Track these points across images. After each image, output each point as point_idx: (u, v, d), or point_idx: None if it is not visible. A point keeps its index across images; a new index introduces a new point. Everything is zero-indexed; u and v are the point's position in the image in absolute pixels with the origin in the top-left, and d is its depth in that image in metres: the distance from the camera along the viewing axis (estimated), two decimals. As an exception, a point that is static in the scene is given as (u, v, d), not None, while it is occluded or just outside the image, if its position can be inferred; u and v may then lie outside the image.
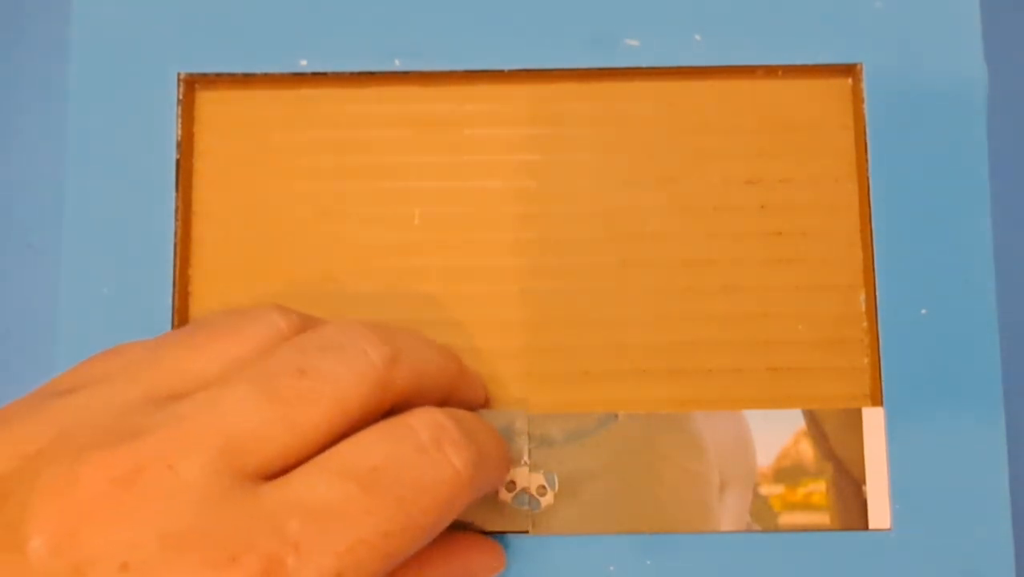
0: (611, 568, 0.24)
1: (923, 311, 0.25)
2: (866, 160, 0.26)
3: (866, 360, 0.26)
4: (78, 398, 0.18)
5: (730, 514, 0.25)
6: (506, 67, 0.26)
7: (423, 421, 0.19)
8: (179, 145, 0.26)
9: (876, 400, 0.25)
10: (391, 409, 0.20)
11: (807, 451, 0.25)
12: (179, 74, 0.26)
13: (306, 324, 0.21)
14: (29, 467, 0.17)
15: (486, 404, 0.25)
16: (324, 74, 0.26)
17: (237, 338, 0.19)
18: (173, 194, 0.26)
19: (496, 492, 0.24)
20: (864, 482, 0.25)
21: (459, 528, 0.23)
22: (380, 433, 0.18)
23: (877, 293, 0.25)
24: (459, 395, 0.23)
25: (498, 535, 0.24)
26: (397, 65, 0.26)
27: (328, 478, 0.17)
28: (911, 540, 0.24)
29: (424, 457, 0.18)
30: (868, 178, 0.26)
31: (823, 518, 0.25)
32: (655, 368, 0.26)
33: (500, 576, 0.24)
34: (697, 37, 0.26)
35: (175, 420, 0.17)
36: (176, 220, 0.26)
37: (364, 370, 0.19)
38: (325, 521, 0.17)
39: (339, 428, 0.18)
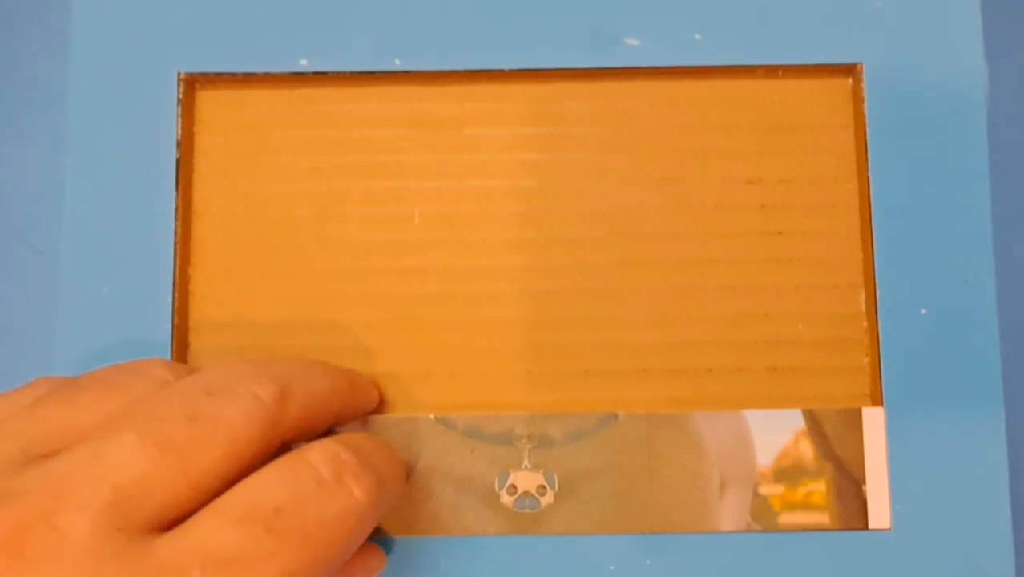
0: (611, 568, 0.24)
1: (923, 311, 0.25)
2: (866, 160, 0.26)
3: (866, 360, 0.26)
4: None
5: (730, 514, 0.25)
6: (506, 67, 0.26)
7: (321, 456, 0.19)
8: (179, 144, 0.26)
9: (876, 400, 0.25)
10: (284, 444, 0.20)
11: (807, 451, 0.25)
12: (179, 74, 0.26)
13: (190, 374, 0.20)
14: None
15: (380, 406, 0.25)
16: (324, 74, 0.26)
17: (119, 392, 0.19)
18: (173, 194, 0.26)
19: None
20: (864, 482, 0.25)
21: None
22: (279, 472, 0.18)
23: (877, 293, 0.25)
24: (352, 410, 0.23)
25: (483, 537, 0.24)
26: (397, 65, 0.26)
27: (228, 523, 0.17)
28: (911, 540, 0.24)
29: (326, 492, 0.18)
30: (868, 178, 0.26)
31: (823, 518, 0.25)
32: (655, 368, 0.26)
33: (503, 576, 0.24)
34: (697, 37, 0.26)
35: (55, 476, 0.16)
36: (176, 220, 0.26)
37: (254, 410, 0.19)
38: (228, 568, 0.16)
39: (233, 471, 0.18)
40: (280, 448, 0.20)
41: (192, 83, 0.27)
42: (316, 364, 0.22)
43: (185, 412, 0.18)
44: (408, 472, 0.24)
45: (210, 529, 0.17)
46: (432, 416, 0.25)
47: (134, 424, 0.17)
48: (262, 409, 0.19)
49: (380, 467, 0.20)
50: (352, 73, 0.27)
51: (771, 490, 0.25)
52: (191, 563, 0.16)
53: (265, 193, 0.27)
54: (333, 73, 0.26)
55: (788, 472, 0.25)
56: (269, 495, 0.18)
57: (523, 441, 0.25)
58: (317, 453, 0.19)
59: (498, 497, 0.25)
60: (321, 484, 0.18)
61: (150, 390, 0.19)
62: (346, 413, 0.23)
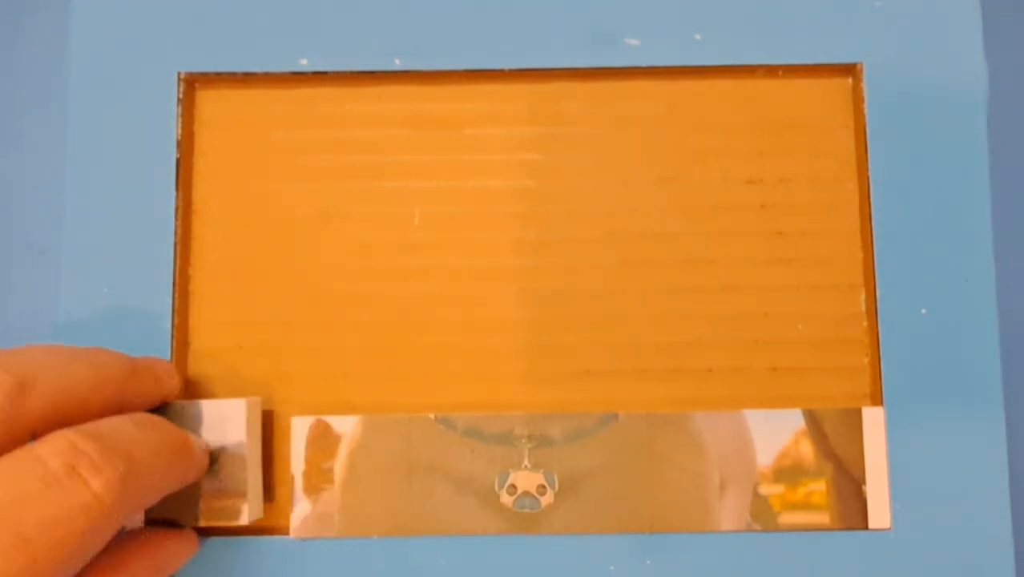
0: (611, 568, 0.24)
1: (923, 311, 0.25)
2: (866, 160, 0.26)
3: (866, 360, 0.26)
4: None
5: (730, 514, 0.25)
6: (506, 67, 0.26)
7: (54, 448, 0.18)
8: (179, 144, 0.26)
9: (876, 400, 0.25)
10: (33, 437, 0.19)
11: (807, 451, 0.25)
12: (179, 73, 0.26)
13: None
14: None
15: (178, 392, 0.24)
16: (324, 74, 0.26)
17: None
18: (173, 193, 0.26)
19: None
20: (864, 482, 0.25)
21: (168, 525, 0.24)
22: (1, 469, 0.18)
23: (877, 293, 0.25)
24: (134, 397, 0.22)
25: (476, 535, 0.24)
26: (397, 65, 0.26)
27: None
28: (911, 540, 0.24)
29: (53, 488, 0.18)
30: (868, 178, 0.26)
31: (823, 518, 0.25)
32: (655, 368, 0.26)
33: (503, 576, 0.24)
34: (697, 36, 0.26)
35: None
36: (176, 219, 0.26)
37: None
38: None
39: None
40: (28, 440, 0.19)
41: (192, 83, 0.27)
42: (80, 353, 0.21)
43: None
44: (197, 452, 0.23)
45: None
46: (432, 416, 0.25)
47: None
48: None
49: (137, 454, 0.19)
50: (352, 73, 0.27)
51: (771, 490, 0.25)
52: None
53: (265, 193, 0.27)
54: (333, 73, 0.26)
55: (788, 472, 0.25)
56: None
57: (523, 441, 0.25)
58: (49, 445, 0.18)
59: (498, 497, 0.25)
60: (49, 479, 0.18)
61: None
62: (128, 400, 0.22)
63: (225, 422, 0.24)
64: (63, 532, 0.17)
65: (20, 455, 0.18)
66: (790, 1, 0.26)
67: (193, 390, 0.26)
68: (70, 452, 0.18)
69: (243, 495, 0.24)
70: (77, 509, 0.18)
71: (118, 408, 0.22)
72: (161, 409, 0.24)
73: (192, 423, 0.24)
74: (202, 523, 0.24)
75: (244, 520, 0.24)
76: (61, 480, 0.18)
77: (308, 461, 0.25)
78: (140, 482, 0.19)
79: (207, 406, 0.24)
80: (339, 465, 0.25)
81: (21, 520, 0.17)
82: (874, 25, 0.26)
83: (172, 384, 0.24)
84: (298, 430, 0.25)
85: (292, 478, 0.25)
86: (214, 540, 0.25)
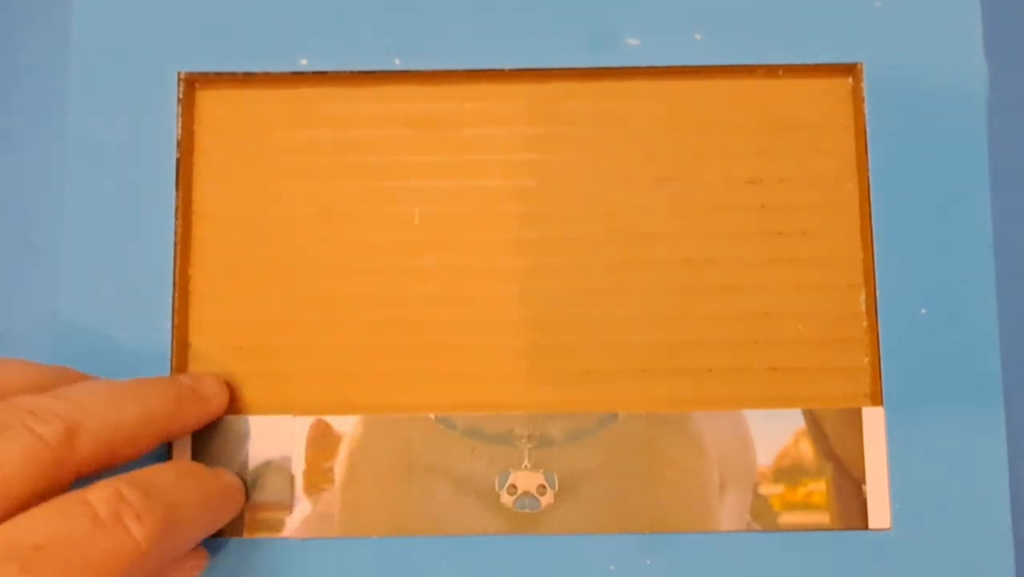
0: (611, 568, 0.24)
1: (923, 311, 0.25)
2: (866, 160, 0.26)
3: (866, 360, 0.26)
4: None
5: (730, 514, 0.25)
6: (506, 67, 0.26)
7: (101, 495, 0.19)
8: (179, 144, 0.26)
9: (876, 400, 0.25)
10: (82, 480, 0.20)
11: (807, 451, 0.25)
12: (179, 73, 0.26)
13: None
14: None
15: (225, 407, 0.25)
16: (324, 74, 0.26)
17: None
18: (173, 193, 0.26)
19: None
20: (864, 482, 0.25)
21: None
22: (50, 511, 0.18)
23: (877, 293, 0.25)
24: (185, 426, 0.23)
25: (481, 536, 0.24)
26: (397, 65, 0.26)
27: None
28: (911, 540, 0.24)
29: (99, 532, 0.18)
30: (868, 178, 0.26)
31: (823, 518, 0.25)
32: (655, 368, 0.26)
33: (503, 575, 0.24)
34: (697, 36, 0.26)
35: None
36: (176, 220, 0.26)
37: (32, 451, 0.19)
38: None
39: (1, 510, 0.18)
40: (77, 483, 0.20)
41: (192, 83, 0.27)
42: (128, 389, 0.22)
43: None
44: (235, 495, 0.24)
45: None
46: (432, 416, 0.25)
47: None
48: (44, 449, 0.19)
49: (178, 504, 0.20)
50: (352, 73, 0.27)
51: (771, 490, 0.25)
52: None
53: (265, 193, 0.27)
54: (333, 73, 0.26)
55: (788, 472, 0.25)
56: (33, 533, 0.18)
57: (523, 441, 0.25)
58: (98, 492, 0.19)
59: (498, 497, 0.25)
60: (95, 523, 0.18)
61: None
62: (176, 430, 0.23)
63: (273, 437, 0.25)
64: (102, 573, 0.18)
65: (71, 498, 0.19)
66: (790, 1, 0.26)
67: (193, 390, 0.26)
68: (116, 499, 0.19)
69: (288, 508, 0.25)
70: (120, 554, 0.18)
71: (166, 438, 0.23)
72: (209, 426, 0.25)
73: (239, 438, 0.25)
74: (246, 535, 0.24)
75: (288, 532, 0.24)
76: (107, 525, 0.18)
77: (308, 461, 0.25)
78: (179, 530, 0.20)
79: (255, 422, 0.25)
80: (339, 465, 0.25)
81: (68, 560, 0.18)
82: (874, 25, 0.26)
83: (218, 402, 0.25)
84: (298, 430, 0.25)
85: (292, 478, 0.25)
86: (214, 541, 0.25)
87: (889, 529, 0.24)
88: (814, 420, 0.25)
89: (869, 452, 0.25)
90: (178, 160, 0.26)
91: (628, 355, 0.26)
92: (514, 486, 0.25)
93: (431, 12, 0.26)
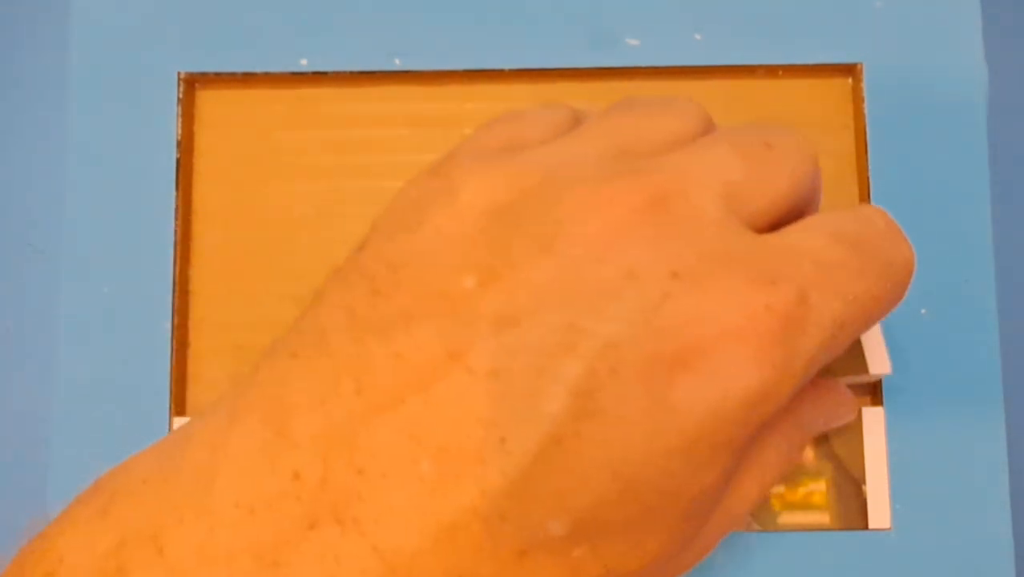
0: (611, 568, 0.24)
1: (923, 311, 0.25)
2: (866, 160, 0.26)
3: (866, 360, 0.26)
4: (538, 153, 0.17)
5: (730, 514, 0.25)
6: (506, 67, 0.26)
7: (876, 211, 0.19)
8: (179, 144, 0.26)
9: (876, 400, 0.25)
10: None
11: (807, 451, 0.25)
12: (179, 73, 0.26)
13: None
14: (537, 195, 0.16)
15: None
16: (324, 74, 0.26)
17: (678, 115, 0.19)
18: (173, 193, 0.26)
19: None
20: (864, 482, 0.25)
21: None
22: (848, 212, 0.18)
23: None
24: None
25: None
26: (397, 65, 0.26)
27: (821, 237, 0.17)
28: (911, 540, 0.24)
29: (889, 239, 0.18)
30: (868, 178, 0.26)
31: (823, 518, 0.25)
32: (655, 368, 0.26)
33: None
34: (697, 36, 0.26)
35: (672, 165, 0.17)
36: (176, 220, 0.26)
37: (809, 161, 0.18)
38: (831, 271, 0.17)
39: (792, 204, 0.18)
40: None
41: (192, 83, 0.27)
42: None
43: (762, 140, 0.18)
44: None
45: (807, 238, 0.17)
46: (432, 416, 0.25)
47: (721, 141, 0.18)
48: (811, 164, 0.18)
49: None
50: (352, 73, 0.27)
51: (771, 490, 0.25)
52: (802, 257, 0.16)
53: (265, 193, 0.27)
54: (333, 73, 0.26)
55: (788, 472, 0.25)
56: (846, 225, 0.18)
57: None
58: (871, 208, 0.19)
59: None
60: (884, 231, 0.18)
61: (699, 121, 0.19)
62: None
63: None
64: (901, 276, 0.18)
65: (853, 208, 0.19)
66: (790, 1, 0.26)
67: (193, 390, 0.26)
68: (886, 218, 0.19)
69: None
70: (904, 262, 0.19)
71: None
72: None
73: None
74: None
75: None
76: (890, 235, 0.19)
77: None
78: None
79: None
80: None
81: (880, 252, 0.18)
82: (874, 25, 0.26)
83: None
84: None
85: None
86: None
87: (889, 529, 0.24)
88: (814, 420, 0.25)
89: (869, 452, 0.25)
90: (178, 160, 0.26)
91: (628, 355, 0.26)
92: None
93: (431, 12, 0.26)
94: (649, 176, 0.16)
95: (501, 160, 0.17)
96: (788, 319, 0.16)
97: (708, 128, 0.19)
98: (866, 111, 0.26)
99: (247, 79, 0.27)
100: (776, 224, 0.18)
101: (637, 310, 0.15)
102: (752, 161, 0.17)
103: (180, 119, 0.26)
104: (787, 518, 0.25)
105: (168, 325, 0.25)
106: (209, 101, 0.27)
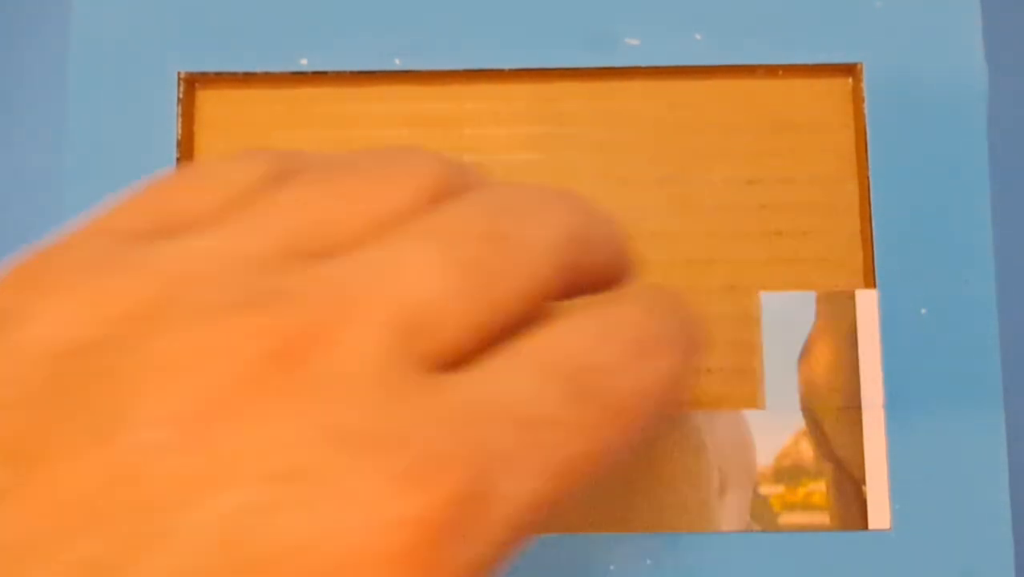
0: (611, 568, 0.24)
1: (923, 311, 0.25)
2: (866, 160, 0.26)
3: (866, 360, 0.26)
4: (177, 246, 0.13)
5: (730, 514, 0.25)
6: (506, 67, 0.26)
7: (633, 311, 0.14)
8: (179, 144, 0.26)
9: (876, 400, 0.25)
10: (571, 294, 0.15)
11: (807, 451, 0.25)
12: (179, 73, 0.26)
13: (465, 180, 0.15)
14: (126, 334, 0.12)
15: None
16: (324, 74, 0.26)
17: (389, 186, 0.14)
18: (173, 194, 0.26)
19: None
20: (864, 482, 0.25)
21: None
22: (591, 319, 0.14)
23: (877, 293, 0.25)
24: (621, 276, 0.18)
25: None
26: (397, 65, 0.26)
27: (533, 375, 0.13)
28: (911, 540, 0.24)
29: (640, 356, 0.14)
30: (868, 178, 0.26)
31: (823, 518, 0.25)
32: (655, 368, 0.26)
33: (505, 576, 0.24)
34: (697, 36, 0.26)
35: (334, 283, 0.12)
36: (176, 220, 0.26)
37: (559, 241, 0.14)
38: (535, 432, 0.12)
39: (525, 311, 0.13)
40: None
41: (192, 83, 0.27)
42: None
43: (484, 227, 0.13)
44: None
45: (511, 379, 0.13)
46: (432, 416, 0.25)
47: (427, 234, 0.13)
48: (567, 241, 0.14)
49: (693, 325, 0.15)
50: (352, 73, 0.26)
51: (771, 490, 0.25)
52: (493, 419, 0.12)
53: (265, 193, 0.27)
54: (333, 73, 0.26)
55: (788, 472, 0.25)
56: (578, 346, 0.13)
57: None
58: (632, 303, 0.14)
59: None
60: (641, 340, 0.14)
61: (428, 189, 0.14)
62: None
63: None
64: (650, 407, 0.14)
65: (607, 301, 0.15)
66: (790, 1, 0.26)
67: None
68: (663, 306, 0.15)
69: None
70: (662, 382, 0.14)
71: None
72: None
73: None
74: None
75: None
76: (652, 344, 0.14)
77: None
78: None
79: None
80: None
81: (616, 389, 0.14)
82: (874, 25, 0.26)
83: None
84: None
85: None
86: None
87: (889, 529, 0.24)
88: (814, 420, 0.25)
89: (869, 452, 0.25)
90: (178, 160, 0.26)
91: (628, 355, 0.26)
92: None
93: (431, 12, 0.26)
94: (282, 308, 0.12)
95: (110, 264, 0.13)
96: (445, 527, 0.11)
97: (443, 193, 0.14)
98: (866, 111, 0.26)
99: (247, 79, 0.27)
100: (514, 330, 0.13)
101: (211, 539, 0.11)
102: (464, 267, 0.13)
103: (180, 119, 0.26)
104: (787, 518, 0.25)
105: (168, 325, 0.25)
106: (209, 101, 0.27)
